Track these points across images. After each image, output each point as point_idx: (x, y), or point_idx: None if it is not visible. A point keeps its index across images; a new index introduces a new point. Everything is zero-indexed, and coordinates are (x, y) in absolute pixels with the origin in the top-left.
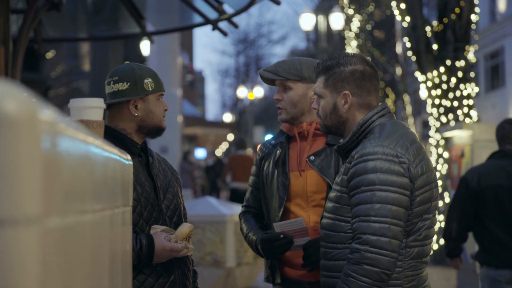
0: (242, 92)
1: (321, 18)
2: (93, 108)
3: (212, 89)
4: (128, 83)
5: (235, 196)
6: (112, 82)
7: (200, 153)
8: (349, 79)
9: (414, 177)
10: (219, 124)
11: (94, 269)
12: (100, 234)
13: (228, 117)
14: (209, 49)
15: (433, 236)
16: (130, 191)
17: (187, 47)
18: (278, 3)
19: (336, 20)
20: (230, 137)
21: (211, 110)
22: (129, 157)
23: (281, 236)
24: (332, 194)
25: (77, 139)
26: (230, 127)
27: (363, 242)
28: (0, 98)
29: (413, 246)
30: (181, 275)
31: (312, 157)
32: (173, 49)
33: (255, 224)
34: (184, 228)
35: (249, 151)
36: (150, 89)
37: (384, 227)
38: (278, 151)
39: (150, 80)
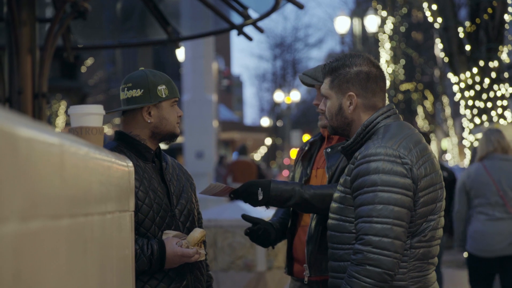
0: (279, 96)
1: (356, 21)
2: (92, 115)
3: (250, 94)
4: (142, 90)
5: None
6: (126, 89)
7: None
8: (354, 80)
9: (417, 178)
10: (257, 129)
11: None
12: (82, 238)
13: (265, 122)
14: (246, 53)
15: (440, 237)
16: (130, 196)
17: (224, 52)
18: (301, 7)
19: (371, 23)
20: (268, 141)
21: (249, 115)
22: (129, 163)
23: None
24: (336, 195)
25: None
26: (267, 131)
27: (366, 243)
28: None
29: (419, 247)
30: (193, 280)
31: (328, 150)
32: (207, 54)
33: (279, 215)
34: (196, 233)
35: (250, 156)
36: (164, 96)
37: (387, 228)
38: (306, 148)
39: (163, 87)
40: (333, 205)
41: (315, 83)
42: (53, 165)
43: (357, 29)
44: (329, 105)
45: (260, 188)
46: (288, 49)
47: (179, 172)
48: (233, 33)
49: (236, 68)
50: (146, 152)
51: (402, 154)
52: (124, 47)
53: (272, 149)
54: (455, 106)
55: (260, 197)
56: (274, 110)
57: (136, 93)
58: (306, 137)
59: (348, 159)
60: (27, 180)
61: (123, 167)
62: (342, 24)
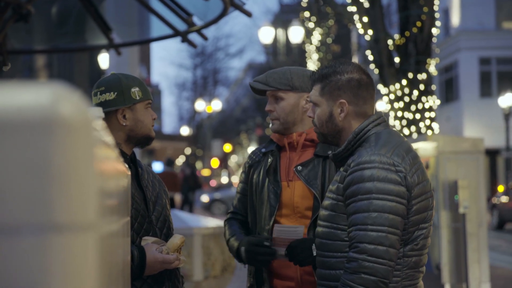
0: (200, 105)
1: (280, 31)
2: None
3: (168, 103)
4: (115, 93)
5: None
6: (98, 93)
7: (157, 166)
8: (345, 87)
9: (411, 186)
10: (177, 138)
11: (116, 278)
12: (120, 242)
13: (185, 131)
14: (166, 62)
15: (428, 245)
16: (129, 201)
17: (145, 60)
18: (249, 15)
19: (296, 34)
20: (188, 150)
21: (168, 124)
22: (128, 169)
23: (266, 243)
24: (326, 202)
25: (111, 143)
26: (187, 140)
27: (361, 251)
28: (57, 102)
29: (411, 256)
30: (171, 286)
31: (299, 167)
32: (132, 62)
33: (239, 230)
34: (176, 239)
35: (176, 167)
36: (138, 98)
37: (382, 236)
38: (269, 159)
39: (137, 89)
40: (324, 212)
41: (267, 89)
42: (112, 167)
43: (282, 38)
44: (318, 112)
45: (314, 245)
46: (209, 59)
47: (153, 179)
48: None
49: (156, 76)
50: (121, 157)
51: (396, 162)
52: (62, 51)
53: (192, 159)
54: None
55: (315, 253)
56: (194, 119)
57: (110, 96)
58: (227, 147)
59: (338, 166)
60: (110, 182)
61: (127, 172)
62: (266, 34)
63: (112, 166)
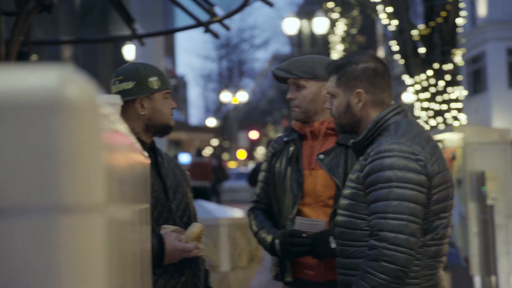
0: (225, 96)
1: (304, 22)
2: (110, 105)
3: (194, 94)
4: (134, 82)
5: (196, 193)
6: (117, 82)
7: (184, 158)
8: (361, 77)
9: (431, 175)
10: (203, 129)
11: (132, 264)
12: (135, 229)
13: (211, 122)
14: (191, 54)
15: (449, 235)
16: (149, 188)
17: (170, 51)
18: (271, 5)
19: (320, 24)
20: (214, 142)
21: (194, 115)
22: (147, 157)
23: (304, 235)
24: (346, 191)
25: (123, 129)
26: (214, 131)
27: (381, 239)
28: (63, 84)
29: (431, 245)
30: (192, 275)
31: (321, 156)
32: (157, 53)
33: (267, 222)
34: (195, 228)
35: (205, 157)
36: (156, 87)
37: (402, 224)
38: (291, 148)
39: (155, 78)
40: (343, 201)
41: (289, 76)
42: (125, 151)
43: (306, 30)
44: (336, 103)
45: (331, 237)
46: (234, 50)
47: (174, 167)
48: (179, 32)
49: (181, 68)
50: (141, 146)
51: (416, 151)
52: (86, 42)
53: (218, 150)
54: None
55: (333, 245)
56: (220, 110)
57: (128, 85)
58: (254, 134)
59: (358, 155)
60: (119, 165)
61: (146, 158)
62: (291, 25)
63: (124, 150)
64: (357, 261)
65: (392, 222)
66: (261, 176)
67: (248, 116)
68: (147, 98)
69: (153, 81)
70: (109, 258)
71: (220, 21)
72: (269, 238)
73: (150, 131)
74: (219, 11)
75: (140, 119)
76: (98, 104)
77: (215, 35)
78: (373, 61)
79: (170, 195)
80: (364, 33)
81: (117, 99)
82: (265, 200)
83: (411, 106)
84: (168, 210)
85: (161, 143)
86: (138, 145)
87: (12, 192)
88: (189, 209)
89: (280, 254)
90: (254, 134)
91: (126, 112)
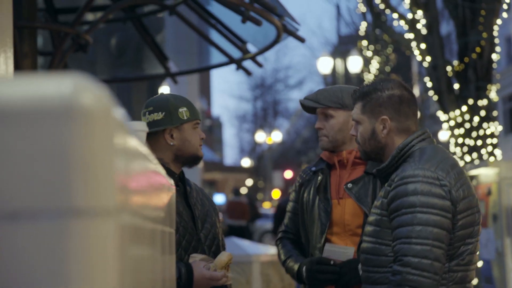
0: (260, 136)
1: (338, 61)
2: (137, 131)
3: (229, 135)
4: (163, 113)
5: (232, 231)
6: (147, 113)
7: (219, 198)
8: (387, 104)
9: (455, 200)
10: (238, 169)
11: (152, 280)
12: (154, 245)
13: (246, 162)
14: (226, 95)
15: (476, 261)
16: (173, 214)
17: (205, 92)
18: (302, 41)
19: (354, 63)
20: (249, 182)
21: (229, 156)
22: (172, 183)
23: (332, 263)
24: (371, 218)
25: (138, 142)
26: (248, 172)
27: (405, 264)
28: (77, 92)
29: (457, 271)
30: None
31: (349, 185)
32: (192, 93)
33: (295, 251)
34: (223, 257)
35: (242, 196)
36: (185, 118)
37: (426, 249)
38: (319, 178)
39: (185, 109)
40: (369, 228)
41: (317, 106)
42: (141, 163)
43: (340, 69)
44: (361, 130)
45: (360, 264)
46: (269, 90)
47: (203, 197)
48: (214, 73)
49: (216, 109)
50: (170, 176)
51: (441, 176)
52: (120, 81)
53: (253, 190)
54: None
55: (361, 272)
56: (255, 150)
57: (158, 116)
58: (289, 173)
59: (382, 182)
60: (133, 174)
61: (171, 185)
62: (325, 64)
63: (139, 161)
64: (382, 287)
65: (416, 247)
66: (289, 206)
67: (282, 156)
68: (177, 129)
69: (183, 111)
70: (120, 264)
71: (252, 58)
72: (296, 266)
73: (179, 162)
74: (252, 48)
75: (169, 149)
76: (112, 111)
77: (247, 72)
78: (399, 88)
79: (198, 224)
80: (399, 71)
81: (143, 126)
82: (293, 230)
83: (446, 144)
84: (196, 239)
85: (196, 182)
86: (160, 168)
87: (25, 196)
88: (217, 239)
89: (306, 281)
90: (288, 174)
91: (155, 143)
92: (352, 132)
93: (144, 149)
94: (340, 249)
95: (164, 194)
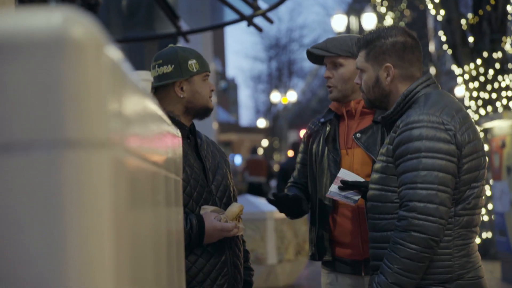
0: (275, 97)
1: (352, 19)
2: (142, 81)
3: (244, 96)
4: (173, 65)
5: (252, 188)
6: (156, 66)
7: (236, 159)
8: (390, 51)
9: (461, 144)
10: (253, 130)
11: (154, 226)
12: (156, 188)
13: (262, 123)
14: (240, 55)
15: (482, 206)
16: (180, 163)
17: (220, 53)
18: None
19: (369, 20)
20: (265, 142)
21: (245, 116)
22: (179, 132)
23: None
24: (377, 165)
25: (131, 73)
26: (264, 132)
27: (410, 209)
28: (67, 24)
29: (463, 215)
30: (232, 255)
31: (358, 135)
32: (206, 55)
33: (296, 190)
34: (234, 208)
35: (260, 155)
36: (195, 70)
37: (431, 193)
38: (327, 128)
39: (194, 61)
40: (375, 175)
41: (326, 54)
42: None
43: (354, 26)
44: (365, 78)
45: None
46: (283, 50)
47: (214, 149)
48: (228, 35)
49: (231, 70)
50: (180, 129)
51: (446, 121)
52: (132, 41)
53: (269, 150)
54: None
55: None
56: (270, 111)
57: (167, 69)
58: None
59: (388, 129)
60: (128, 106)
61: (178, 134)
62: (339, 22)
63: (133, 93)
64: (389, 234)
65: (422, 192)
66: (298, 158)
67: (298, 116)
68: (186, 81)
69: (192, 64)
70: (115, 197)
71: (263, 14)
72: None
73: (189, 114)
74: (263, 5)
75: (179, 102)
76: (102, 43)
77: (258, 28)
78: (403, 35)
79: (209, 176)
80: (414, 27)
81: (147, 75)
82: (301, 181)
83: (462, 99)
84: (208, 191)
85: None
86: (162, 112)
87: (17, 128)
88: (229, 190)
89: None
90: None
91: (165, 96)
92: (356, 81)
93: (141, 85)
94: (355, 176)
95: (166, 139)
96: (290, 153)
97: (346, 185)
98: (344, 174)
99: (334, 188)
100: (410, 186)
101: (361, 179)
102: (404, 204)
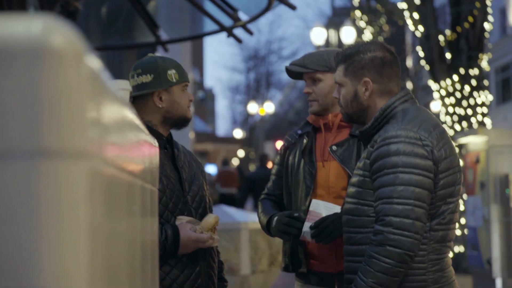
0: (252, 108)
1: (332, 32)
2: (120, 90)
3: (222, 106)
4: (152, 75)
5: (224, 199)
6: (135, 75)
7: (210, 169)
8: (369, 66)
9: (437, 160)
10: (230, 140)
11: (129, 235)
12: (132, 199)
13: (238, 133)
14: (219, 66)
15: (457, 220)
16: (157, 173)
17: (198, 63)
18: (293, 8)
19: (348, 34)
20: (241, 153)
21: (222, 127)
22: (156, 142)
23: (296, 215)
24: (354, 179)
25: (109, 81)
26: (240, 143)
27: (386, 223)
28: (47, 32)
29: (438, 230)
30: (206, 266)
31: (334, 147)
32: (185, 64)
33: (271, 207)
34: (210, 219)
35: (232, 166)
36: (174, 80)
37: (407, 209)
38: (304, 141)
39: (174, 71)
40: (351, 189)
41: (304, 71)
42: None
43: (334, 40)
44: (344, 92)
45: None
46: (262, 62)
47: (190, 159)
48: (207, 45)
49: (209, 80)
50: (158, 139)
51: (423, 136)
52: (111, 49)
53: (245, 161)
54: None
55: (309, 239)
56: (247, 121)
57: (146, 78)
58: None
59: (365, 143)
60: (106, 115)
61: (155, 144)
62: (318, 35)
63: (111, 101)
64: (364, 248)
65: (398, 207)
66: (274, 169)
67: (275, 128)
68: (165, 91)
69: (172, 74)
70: (91, 208)
71: (243, 25)
72: (267, 218)
73: (167, 124)
74: (244, 17)
75: (158, 112)
76: (82, 51)
77: (238, 39)
78: (381, 50)
79: (185, 187)
80: (392, 42)
81: (126, 85)
82: (276, 192)
83: (438, 114)
84: (183, 201)
85: None
86: (139, 122)
87: None
88: (204, 201)
89: (273, 231)
90: (280, 145)
91: (144, 105)
92: (335, 95)
93: (120, 95)
94: (327, 205)
95: (144, 148)
96: (268, 165)
97: (316, 229)
98: (316, 206)
99: (306, 227)
100: (387, 201)
101: (333, 206)
102: (380, 219)
